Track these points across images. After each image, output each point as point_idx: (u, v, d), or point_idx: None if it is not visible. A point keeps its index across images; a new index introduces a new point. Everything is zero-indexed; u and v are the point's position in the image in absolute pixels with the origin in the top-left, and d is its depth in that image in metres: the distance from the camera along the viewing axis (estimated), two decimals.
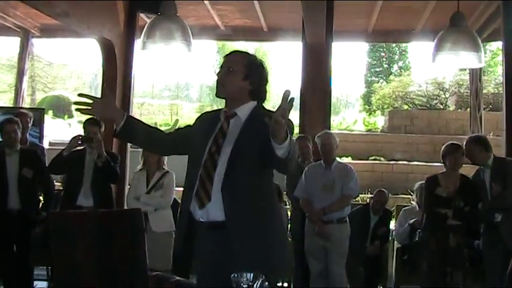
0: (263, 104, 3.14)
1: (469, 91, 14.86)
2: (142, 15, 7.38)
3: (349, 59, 40.63)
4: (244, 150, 2.91)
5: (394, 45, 24.67)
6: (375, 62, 26.00)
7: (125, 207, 6.00)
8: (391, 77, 23.91)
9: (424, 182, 6.37)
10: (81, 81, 28.80)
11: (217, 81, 3.07)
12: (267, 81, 3.13)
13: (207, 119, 3.15)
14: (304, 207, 5.77)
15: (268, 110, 3.08)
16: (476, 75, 11.50)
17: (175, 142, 3.20)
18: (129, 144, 7.23)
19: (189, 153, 3.09)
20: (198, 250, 2.96)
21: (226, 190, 2.87)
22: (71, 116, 19.38)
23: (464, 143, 5.52)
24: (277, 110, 2.54)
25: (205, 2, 7.79)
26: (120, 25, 7.08)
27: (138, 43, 7.24)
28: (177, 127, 32.45)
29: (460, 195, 5.34)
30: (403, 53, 25.78)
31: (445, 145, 5.69)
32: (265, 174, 3.03)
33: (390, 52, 25.67)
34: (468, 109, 14.71)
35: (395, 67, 25.91)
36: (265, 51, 45.77)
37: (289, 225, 6.42)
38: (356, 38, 10.29)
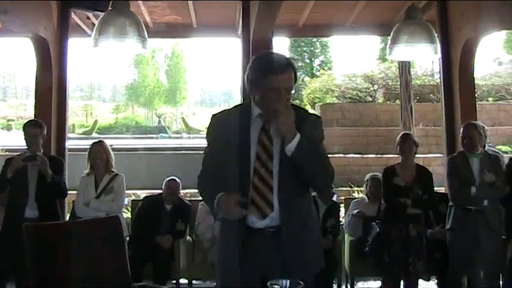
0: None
1: (396, 83, 15.34)
2: (90, 13, 7.09)
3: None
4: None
5: (315, 39, 25.02)
6: (297, 56, 26.28)
7: (76, 215, 5.69)
8: (319, 71, 24.25)
9: (373, 173, 6.47)
10: None
11: (278, 104, 2.79)
12: None
13: (229, 123, 2.97)
14: None
15: (306, 111, 3.08)
16: (405, 68, 11.80)
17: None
18: (67, 147, 6.93)
19: (222, 162, 2.95)
20: (247, 255, 2.85)
21: (282, 196, 2.85)
22: None
23: (467, 127, 5.58)
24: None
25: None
26: (54, 23, 6.76)
27: (71, 42, 7.03)
28: (96, 129, 31.42)
29: (417, 184, 5.47)
30: (325, 47, 26.21)
31: (398, 135, 5.76)
32: None
33: (312, 46, 26.03)
34: (397, 101, 15.14)
35: (317, 61, 26.30)
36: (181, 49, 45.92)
37: None
38: (286, 32, 10.25)
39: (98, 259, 2.90)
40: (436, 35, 5.73)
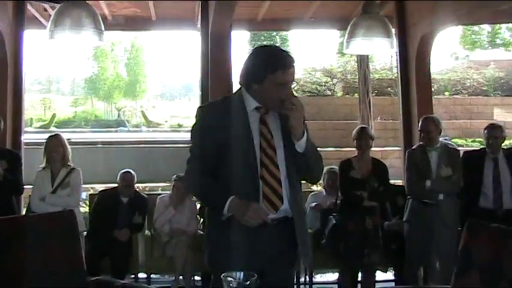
0: None
1: (355, 77, 15.49)
2: (47, 5, 6.98)
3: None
4: (291, 144, 2.88)
5: (274, 33, 25.07)
6: None
7: (32, 210, 5.61)
8: None
9: (330, 166, 6.52)
10: None
11: (294, 98, 2.84)
12: None
13: (223, 115, 2.89)
14: None
15: None
16: (364, 62, 11.91)
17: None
18: (23, 140, 6.83)
19: (219, 153, 2.86)
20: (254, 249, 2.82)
21: (289, 186, 2.86)
22: None
23: (424, 122, 5.60)
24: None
25: None
26: (9, 14, 6.64)
27: (27, 34, 6.93)
28: (54, 123, 30.80)
29: (373, 177, 5.53)
30: (284, 41, 26.29)
31: (354, 129, 5.81)
32: None
33: (271, 40, 26.06)
34: (355, 94, 15.29)
35: None
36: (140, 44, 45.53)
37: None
38: (245, 26, 10.23)
39: (53, 254, 2.85)
40: (392, 29, 5.81)
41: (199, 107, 3.02)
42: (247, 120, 2.87)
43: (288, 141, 2.87)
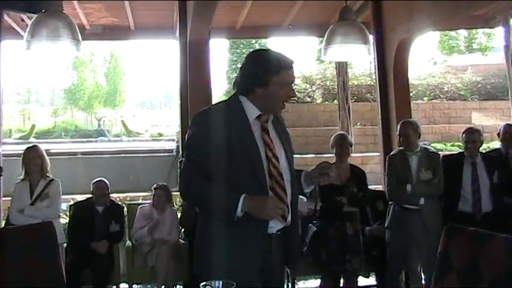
0: None
1: (334, 84, 15.55)
2: (24, 15, 6.94)
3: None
4: (289, 152, 2.94)
5: (254, 41, 25.08)
6: (235, 58, 26.37)
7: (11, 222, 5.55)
8: None
9: None
10: None
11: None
12: None
13: (224, 121, 2.80)
14: None
15: None
16: (343, 68, 11.96)
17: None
18: (2, 152, 6.76)
19: (221, 161, 2.76)
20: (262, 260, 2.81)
21: (292, 198, 2.88)
22: None
23: (402, 126, 5.62)
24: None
25: (74, 1, 7.45)
26: None
27: (5, 44, 6.86)
28: (33, 134, 30.41)
29: (352, 183, 5.53)
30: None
31: (333, 136, 5.81)
32: None
33: (251, 48, 26.05)
34: (335, 101, 15.34)
35: None
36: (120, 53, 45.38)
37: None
38: (224, 34, 10.23)
39: (32, 266, 2.83)
40: (369, 35, 5.84)
41: (197, 114, 2.91)
42: (250, 130, 2.82)
43: (286, 148, 2.91)
